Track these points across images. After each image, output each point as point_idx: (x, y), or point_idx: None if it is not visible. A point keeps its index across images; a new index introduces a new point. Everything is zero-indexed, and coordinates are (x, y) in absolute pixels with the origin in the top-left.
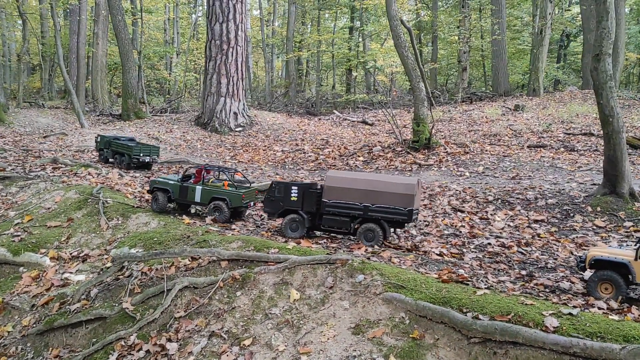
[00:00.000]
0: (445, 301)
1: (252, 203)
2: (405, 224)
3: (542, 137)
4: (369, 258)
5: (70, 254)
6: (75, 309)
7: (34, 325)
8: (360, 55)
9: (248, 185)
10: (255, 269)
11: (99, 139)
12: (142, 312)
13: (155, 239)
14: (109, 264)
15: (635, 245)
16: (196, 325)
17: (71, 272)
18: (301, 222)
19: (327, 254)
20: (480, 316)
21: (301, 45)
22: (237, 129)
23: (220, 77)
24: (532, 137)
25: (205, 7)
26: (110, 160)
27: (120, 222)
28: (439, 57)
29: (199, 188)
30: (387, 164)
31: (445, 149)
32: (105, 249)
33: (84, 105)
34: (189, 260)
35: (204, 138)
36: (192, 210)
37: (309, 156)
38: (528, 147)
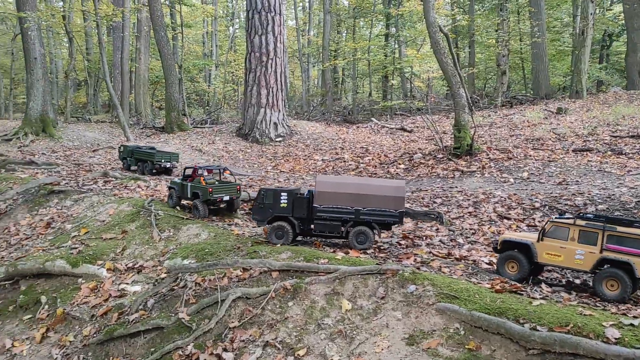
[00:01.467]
0: (500, 312)
1: (227, 197)
2: (393, 225)
3: (588, 140)
4: (418, 268)
5: (126, 265)
6: (133, 319)
7: (94, 335)
8: (397, 62)
9: (234, 182)
10: (306, 280)
11: (122, 149)
12: (198, 322)
13: (207, 250)
14: (163, 275)
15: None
16: (250, 335)
17: (127, 283)
18: (288, 229)
19: (377, 264)
20: (538, 327)
21: (336, 53)
22: (277, 139)
23: (260, 88)
24: (577, 140)
25: (244, 20)
26: (133, 167)
27: (171, 233)
28: (476, 61)
29: (188, 185)
30: (429, 171)
31: (488, 154)
32: (158, 261)
33: (128, 119)
34: (241, 271)
35: (246, 149)
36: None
37: (349, 165)
38: (573, 151)
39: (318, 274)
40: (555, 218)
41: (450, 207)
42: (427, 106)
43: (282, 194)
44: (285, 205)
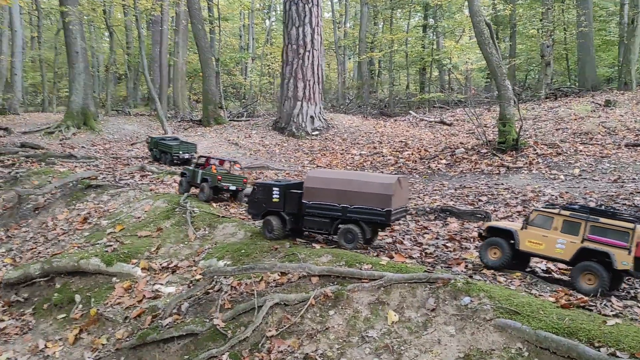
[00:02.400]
0: (570, 332)
1: (233, 187)
2: (386, 226)
3: None
4: (471, 276)
5: (160, 264)
6: (167, 324)
7: (127, 339)
8: (435, 54)
9: (242, 175)
10: (348, 286)
11: (149, 140)
12: (233, 330)
13: (243, 250)
14: (198, 276)
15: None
16: (289, 346)
17: (161, 284)
18: (280, 225)
19: (425, 271)
20: (618, 353)
21: (373, 45)
22: (313, 133)
23: (297, 81)
24: (629, 135)
25: (281, 12)
26: (159, 158)
27: (207, 232)
28: (517, 52)
29: (199, 172)
30: (472, 167)
31: (535, 149)
32: (193, 260)
33: (166, 112)
34: (278, 275)
35: (282, 143)
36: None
37: (388, 159)
38: (626, 146)
39: (361, 280)
40: (541, 207)
41: (497, 206)
42: (467, 99)
43: (274, 188)
44: (277, 200)
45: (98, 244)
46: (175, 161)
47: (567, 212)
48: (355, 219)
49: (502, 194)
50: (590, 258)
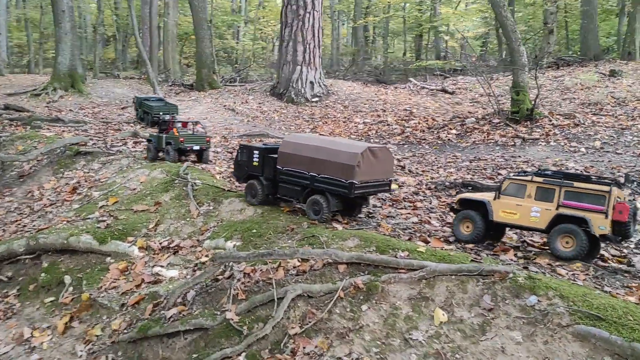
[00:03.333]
0: None
1: (197, 147)
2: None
3: None
4: (526, 267)
5: (160, 243)
6: (171, 316)
7: (125, 331)
8: (433, 20)
9: (204, 134)
10: (382, 277)
11: (135, 100)
12: (250, 325)
13: (254, 230)
14: (203, 259)
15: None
16: (316, 347)
17: (162, 266)
18: (258, 189)
19: (472, 260)
20: None
21: (368, 11)
22: (313, 99)
23: (296, 44)
24: None
25: None
26: (143, 118)
27: (211, 207)
28: (516, 19)
29: (163, 136)
30: (485, 137)
31: (551, 120)
32: (197, 240)
33: (156, 76)
34: (298, 261)
35: (281, 109)
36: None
37: (394, 129)
38: None
39: (397, 270)
40: (514, 175)
41: None
42: (471, 65)
43: (255, 151)
44: (257, 164)
45: (89, 218)
46: (155, 122)
47: (541, 179)
48: (322, 189)
49: (521, 167)
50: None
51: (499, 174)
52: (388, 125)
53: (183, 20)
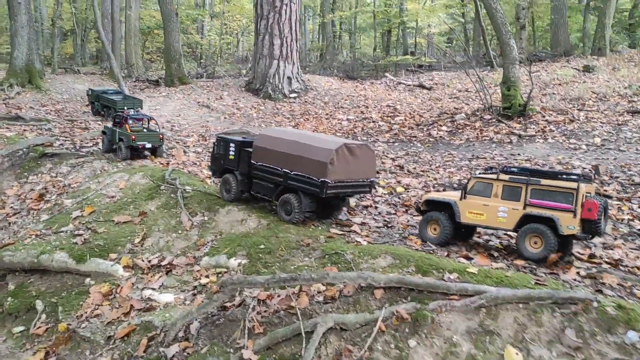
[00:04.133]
0: None
1: (149, 145)
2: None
3: (634, 101)
4: (599, 290)
5: (149, 261)
6: (174, 356)
7: None
8: (403, 16)
9: (157, 132)
10: (429, 305)
11: (89, 92)
12: None
13: (262, 246)
14: (203, 279)
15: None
16: None
17: (154, 289)
18: (233, 185)
19: (537, 283)
20: None
21: (334, 6)
22: (291, 95)
23: (272, 37)
24: (622, 101)
25: None
26: (101, 112)
27: (207, 218)
28: (484, 15)
29: (117, 131)
30: (478, 134)
31: (544, 116)
32: (193, 256)
33: (120, 71)
34: (323, 284)
35: (258, 106)
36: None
37: (380, 126)
38: (629, 113)
39: (448, 296)
40: (479, 173)
41: None
42: (457, 61)
43: (231, 144)
44: (233, 157)
45: (62, 231)
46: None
47: (506, 177)
48: (295, 188)
49: (524, 166)
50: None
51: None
52: (374, 122)
53: (145, 14)
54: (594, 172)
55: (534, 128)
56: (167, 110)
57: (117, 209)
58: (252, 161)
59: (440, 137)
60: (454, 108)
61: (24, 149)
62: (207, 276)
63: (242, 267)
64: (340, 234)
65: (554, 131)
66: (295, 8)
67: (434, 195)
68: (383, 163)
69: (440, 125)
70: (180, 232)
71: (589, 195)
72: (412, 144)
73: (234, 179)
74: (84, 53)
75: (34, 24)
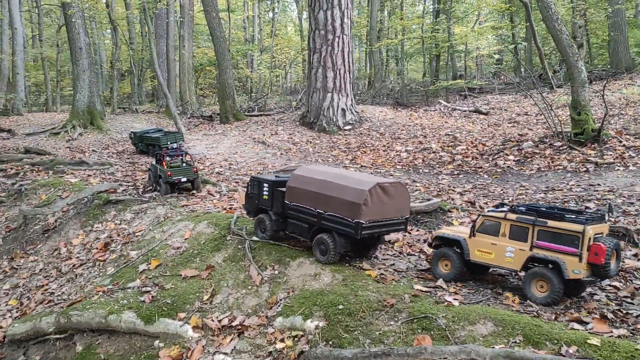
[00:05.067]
0: None
1: (184, 179)
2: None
3: None
4: None
5: (219, 321)
6: None
7: None
8: (452, 40)
9: (192, 166)
10: None
11: (132, 135)
12: None
13: (341, 306)
14: (279, 344)
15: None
16: None
17: (226, 353)
18: (267, 224)
19: None
20: None
21: (380, 34)
22: (346, 127)
23: (326, 70)
24: None
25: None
26: (145, 151)
27: (277, 272)
28: (545, 34)
29: (158, 168)
30: (549, 163)
31: (620, 141)
32: (266, 316)
33: (176, 109)
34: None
35: (313, 139)
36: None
37: (441, 156)
38: None
39: None
40: (488, 211)
41: (613, 215)
42: (522, 84)
43: (265, 184)
44: (267, 197)
45: (129, 288)
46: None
47: (514, 216)
48: (329, 228)
49: (608, 198)
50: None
51: (587, 207)
52: (434, 152)
53: (197, 52)
54: (607, 210)
55: (611, 155)
56: (224, 148)
57: (183, 261)
58: (285, 201)
59: (508, 167)
60: (518, 134)
61: (89, 196)
62: (282, 340)
63: (320, 330)
64: (426, 291)
65: (634, 157)
66: (347, 40)
67: (444, 231)
68: (452, 199)
69: (507, 154)
70: (250, 287)
71: (599, 236)
72: (478, 176)
73: (269, 218)
74: (140, 92)
75: (94, 67)
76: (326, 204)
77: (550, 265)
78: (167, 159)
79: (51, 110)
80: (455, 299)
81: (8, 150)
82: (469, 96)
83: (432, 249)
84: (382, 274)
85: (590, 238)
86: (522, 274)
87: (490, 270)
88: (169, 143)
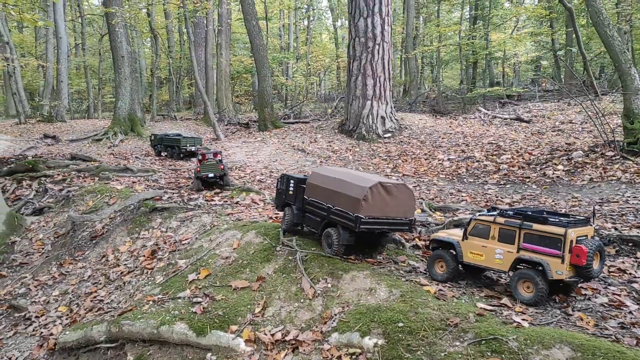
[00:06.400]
0: None
1: (211, 174)
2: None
3: None
4: None
5: (272, 335)
6: None
7: None
8: (490, 46)
9: (218, 163)
10: None
11: (152, 137)
12: None
13: (401, 323)
14: None
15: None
16: None
17: None
18: (291, 217)
19: None
20: None
21: (415, 41)
22: (385, 135)
23: (365, 78)
24: None
25: (348, 1)
26: (163, 153)
27: (330, 285)
28: (585, 40)
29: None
30: (601, 174)
31: None
32: (320, 332)
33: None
34: None
35: (353, 147)
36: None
37: (486, 165)
38: None
39: None
40: (479, 215)
41: None
42: (569, 89)
43: (291, 181)
44: (292, 192)
45: (180, 298)
46: (182, 154)
47: (502, 220)
48: (335, 222)
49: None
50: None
51: None
52: (477, 161)
53: (234, 59)
54: (592, 215)
55: None
56: (264, 156)
57: (233, 272)
58: (304, 196)
59: (558, 177)
60: (565, 143)
61: (135, 203)
62: (339, 357)
63: (379, 348)
64: (491, 310)
65: None
66: (387, 47)
67: (439, 234)
68: None
69: (556, 164)
70: (302, 300)
71: (582, 238)
72: (526, 186)
73: (291, 211)
74: (178, 99)
75: (135, 75)
76: (334, 199)
77: (538, 267)
78: (208, 157)
79: (92, 117)
80: (524, 320)
81: (55, 157)
82: (507, 103)
83: (430, 250)
84: (441, 289)
85: (572, 240)
86: (511, 274)
87: (485, 272)
88: (187, 145)
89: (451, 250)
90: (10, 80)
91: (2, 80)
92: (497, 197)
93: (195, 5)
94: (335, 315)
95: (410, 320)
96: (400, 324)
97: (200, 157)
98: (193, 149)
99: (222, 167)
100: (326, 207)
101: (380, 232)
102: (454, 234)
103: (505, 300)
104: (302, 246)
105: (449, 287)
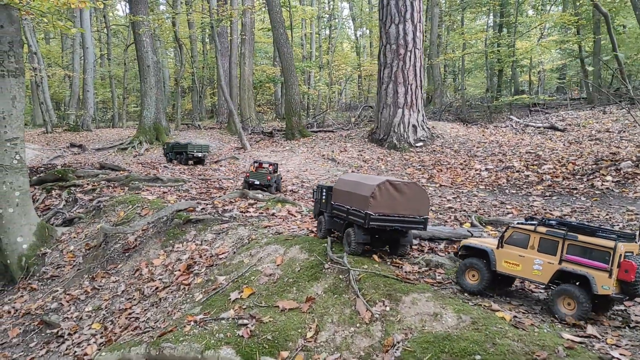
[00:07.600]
0: None
1: (257, 182)
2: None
3: None
4: None
5: None
6: None
7: None
8: (517, 54)
9: (266, 172)
10: None
11: (165, 146)
12: None
13: (478, 356)
14: None
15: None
16: None
17: None
18: (323, 224)
19: None
20: None
21: (438, 49)
22: (417, 144)
23: (397, 85)
24: None
25: (378, 8)
26: (174, 160)
27: (388, 308)
28: (619, 46)
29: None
30: None
31: None
32: None
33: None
34: None
35: (384, 157)
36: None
37: (527, 176)
38: None
39: None
40: (518, 223)
41: None
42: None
43: (323, 190)
44: (324, 201)
45: (223, 319)
46: (189, 160)
47: (544, 229)
48: (352, 221)
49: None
50: (570, 280)
51: None
52: (517, 171)
53: (257, 69)
54: (638, 231)
55: None
56: (293, 165)
57: (278, 291)
58: (331, 202)
59: (607, 188)
60: (610, 153)
61: (168, 215)
62: None
63: None
64: (580, 342)
65: None
66: (419, 54)
67: (472, 241)
68: None
69: (604, 175)
70: (358, 325)
71: (629, 254)
72: (574, 198)
73: (324, 219)
74: (201, 108)
75: (160, 84)
76: (351, 200)
77: (577, 281)
78: (255, 164)
79: (117, 126)
80: (622, 355)
81: (83, 166)
82: (534, 111)
83: (459, 259)
84: (516, 316)
85: (621, 255)
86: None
87: (515, 282)
88: (195, 151)
89: (484, 259)
90: (38, 90)
91: (30, 90)
92: (544, 209)
93: (221, 15)
94: (398, 343)
95: (489, 352)
96: (478, 357)
97: (256, 165)
98: (200, 155)
99: (269, 177)
100: (345, 209)
101: (395, 230)
102: (487, 242)
103: (590, 329)
104: (353, 264)
105: (524, 312)
